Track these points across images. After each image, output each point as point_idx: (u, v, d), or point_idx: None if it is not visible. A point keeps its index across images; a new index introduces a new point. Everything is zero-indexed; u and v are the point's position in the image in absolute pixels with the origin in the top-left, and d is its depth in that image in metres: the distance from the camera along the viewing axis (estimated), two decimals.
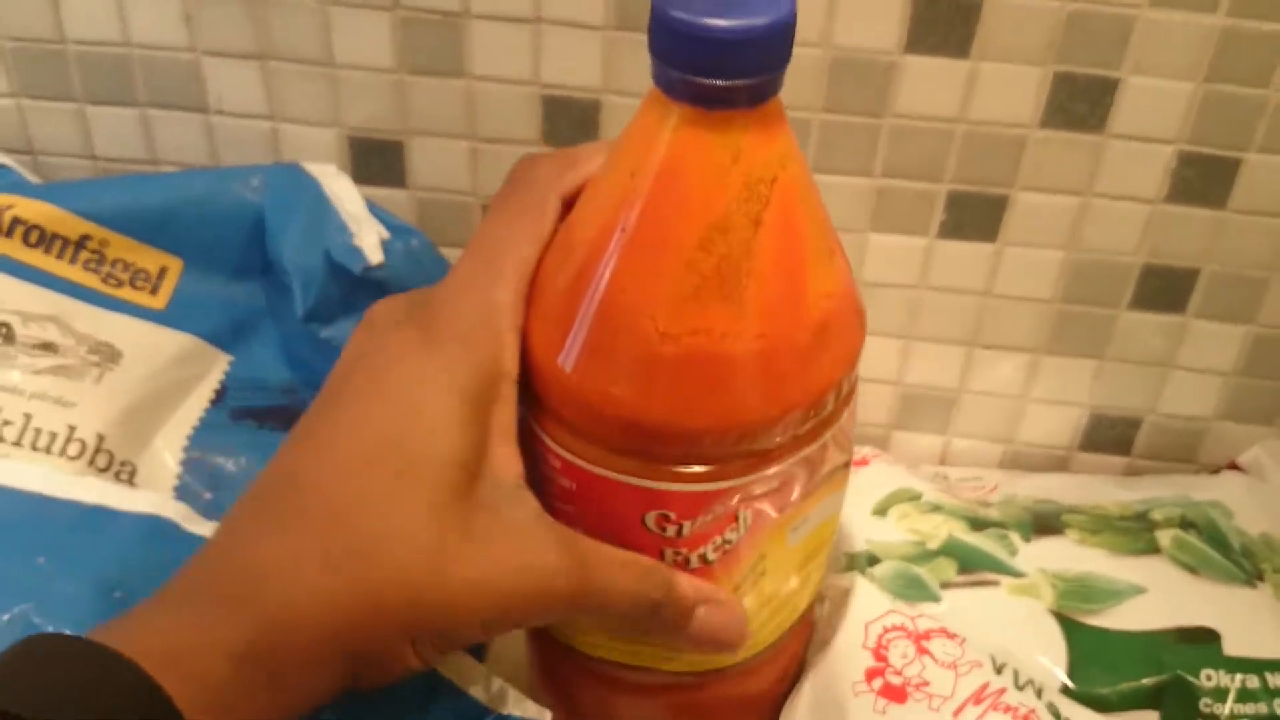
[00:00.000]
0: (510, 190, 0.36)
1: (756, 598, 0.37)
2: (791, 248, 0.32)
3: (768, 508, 0.35)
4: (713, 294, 0.31)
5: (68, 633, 0.27)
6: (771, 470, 0.34)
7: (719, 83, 0.29)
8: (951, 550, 0.46)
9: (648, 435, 0.32)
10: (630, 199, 0.31)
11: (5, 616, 0.34)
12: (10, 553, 0.36)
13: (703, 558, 0.35)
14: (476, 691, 0.36)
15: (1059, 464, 0.56)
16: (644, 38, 0.30)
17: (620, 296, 0.32)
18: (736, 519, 0.34)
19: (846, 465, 0.38)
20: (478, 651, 0.39)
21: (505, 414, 0.33)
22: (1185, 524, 0.48)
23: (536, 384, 0.34)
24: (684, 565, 0.35)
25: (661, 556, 0.34)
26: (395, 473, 0.31)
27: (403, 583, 0.30)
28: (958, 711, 0.39)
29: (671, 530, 0.34)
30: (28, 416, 0.41)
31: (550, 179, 0.35)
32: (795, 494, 0.35)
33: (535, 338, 0.33)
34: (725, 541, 0.35)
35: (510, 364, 0.33)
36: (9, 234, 0.43)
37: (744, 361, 0.32)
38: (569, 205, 0.35)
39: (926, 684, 0.40)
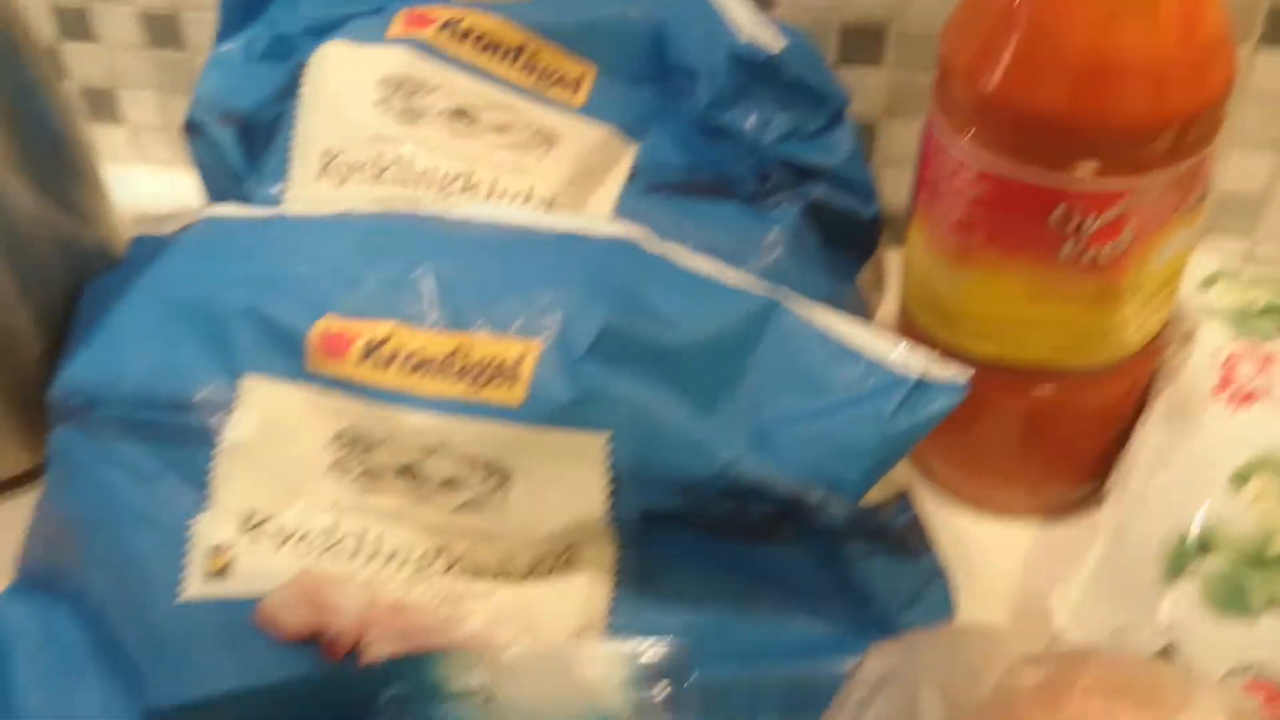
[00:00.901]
0: None
1: (1133, 305, 0.43)
2: None
3: (1146, 222, 0.41)
4: (1127, 13, 0.38)
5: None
6: (1154, 176, 0.40)
7: None
8: (1276, 308, 0.51)
9: (1062, 135, 0.39)
10: None
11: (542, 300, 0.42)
12: (509, 260, 0.45)
13: (1094, 260, 0.42)
14: (892, 357, 0.41)
15: None
16: None
17: (1047, 18, 0.39)
18: (1123, 228, 0.41)
19: (1203, 199, 0.44)
20: None
21: None
22: None
23: (965, 106, 0.41)
24: (1077, 262, 0.41)
25: (1059, 253, 0.41)
26: None
27: None
28: None
29: (1072, 225, 0.41)
30: (494, 180, 0.51)
31: None
32: (1167, 211, 0.42)
33: (966, 63, 0.41)
34: (1115, 247, 0.41)
35: None
36: (464, 40, 0.52)
37: (1148, 70, 0.38)
38: None
39: (1271, 390, 0.45)
